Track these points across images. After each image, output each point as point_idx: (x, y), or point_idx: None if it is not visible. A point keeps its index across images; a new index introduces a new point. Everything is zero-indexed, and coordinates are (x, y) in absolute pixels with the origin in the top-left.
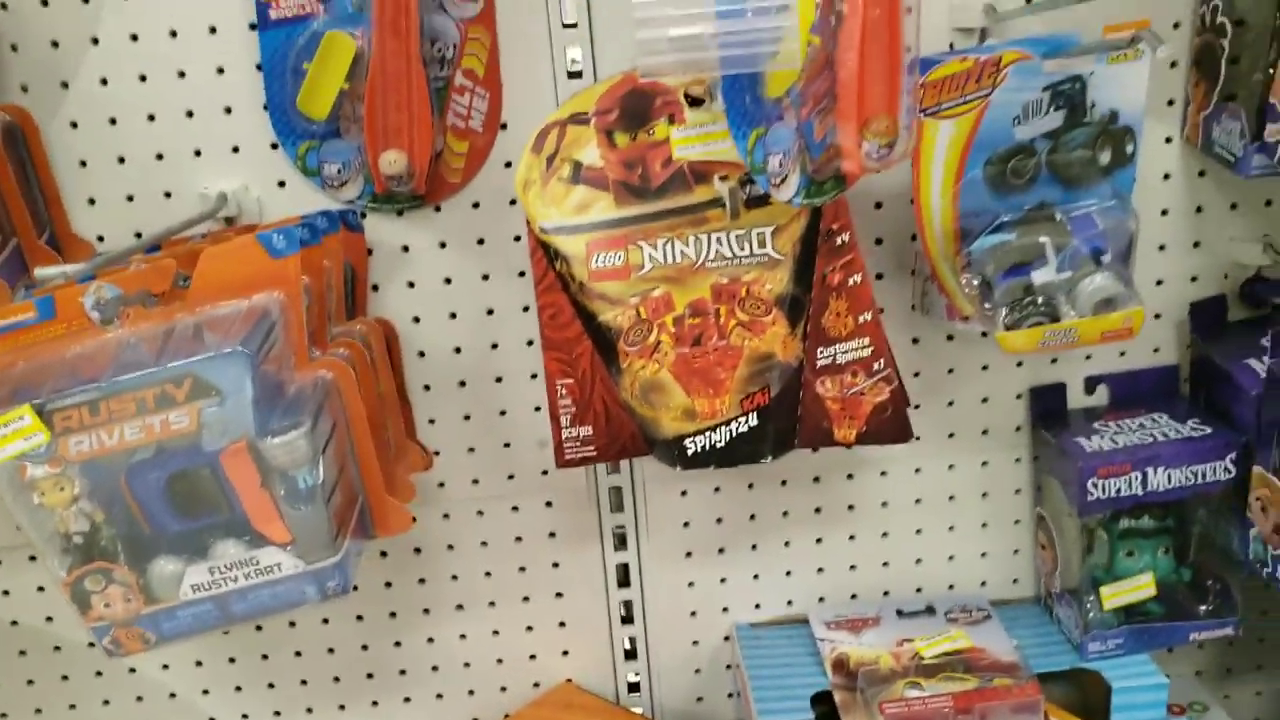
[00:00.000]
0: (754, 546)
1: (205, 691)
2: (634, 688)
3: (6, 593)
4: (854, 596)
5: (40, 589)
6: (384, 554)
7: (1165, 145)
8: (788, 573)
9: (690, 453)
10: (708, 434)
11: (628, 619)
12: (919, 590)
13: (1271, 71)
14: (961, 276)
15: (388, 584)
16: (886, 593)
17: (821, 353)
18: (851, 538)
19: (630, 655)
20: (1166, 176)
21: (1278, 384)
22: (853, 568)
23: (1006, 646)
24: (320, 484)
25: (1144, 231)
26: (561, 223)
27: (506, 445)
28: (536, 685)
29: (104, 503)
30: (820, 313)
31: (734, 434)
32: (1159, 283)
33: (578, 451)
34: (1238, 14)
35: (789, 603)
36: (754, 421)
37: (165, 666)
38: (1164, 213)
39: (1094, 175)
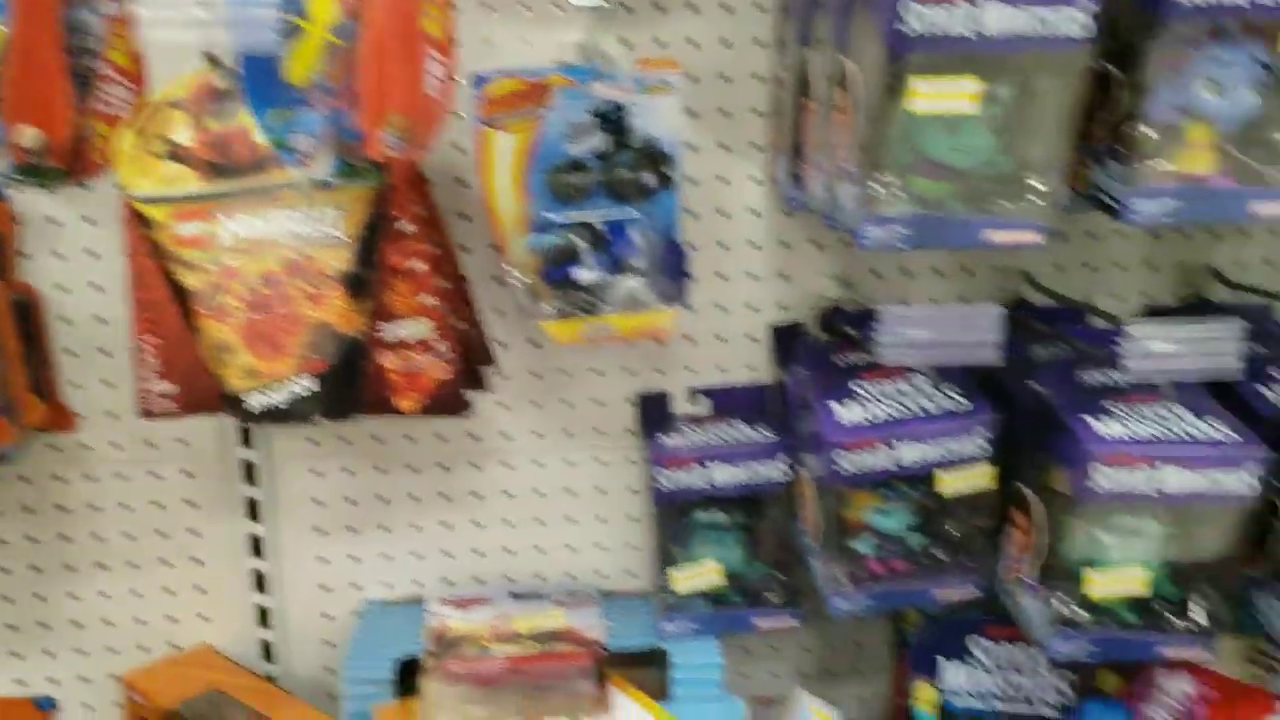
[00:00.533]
0: (385, 528)
1: None
2: (269, 656)
3: None
4: (481, 581)
5: None
6: (29, 510)
7: (754, 185)
8: (418, 555)
9: (251, 408)
10: (268, 392)
11: (263, 589)
12: (542, 578)
13: (799, 121)
14: (508, 271)
15: (31, 539)
16: (511, 579)
17: (386, 329)
18: (478, 524)
19: (265, 624)
20: (756, 213)
21: (799, 396)
22: (479, 553)
23: (597, 626)
24: None
25: (736, 262)
26: (152, 193)
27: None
28: (177, 647)
29: None
30: (384, 293)
31: (292, 395)
32: (753, 309)
33: (159, 404)
34: (792, 71)
35: (419, 584)
36: (313, 385)
37: None
38: (755, 246)
39: (640, 194)
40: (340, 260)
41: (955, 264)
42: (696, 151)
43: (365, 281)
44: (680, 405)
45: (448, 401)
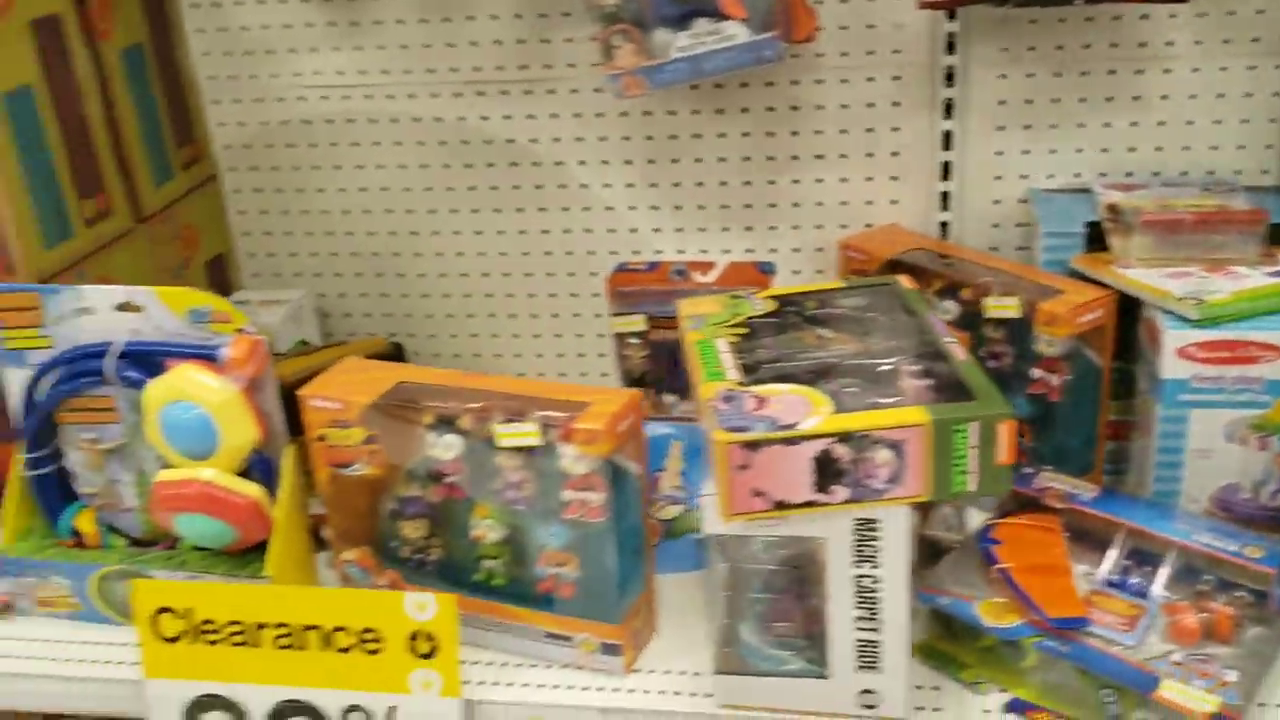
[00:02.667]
0: (1054, 125)
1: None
2: (944, 233)
3: None
4: (1129, 174)
5: None
6: (770, 109)
7: None
8: (1078, 149)
9: None
10: None
11: (946, 177)
12: (1186, 173)
13: None
14: None
15: (769, 134)
16: (1156, 174)
17: None
18: (1135, 125)
19: (945, 207)
20: None
21: None
22: (1132, 149)
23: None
24: None
25: None
26: None
27: (870, 27)
28: (869, 225)
29: None
30: None
31: None
32: None
33: None
34: None
35: (1077, 175)
36: None
37: (607, 185)
38: None
39: None
40: None
41: None
42: None
43: None
44: None
45: None
